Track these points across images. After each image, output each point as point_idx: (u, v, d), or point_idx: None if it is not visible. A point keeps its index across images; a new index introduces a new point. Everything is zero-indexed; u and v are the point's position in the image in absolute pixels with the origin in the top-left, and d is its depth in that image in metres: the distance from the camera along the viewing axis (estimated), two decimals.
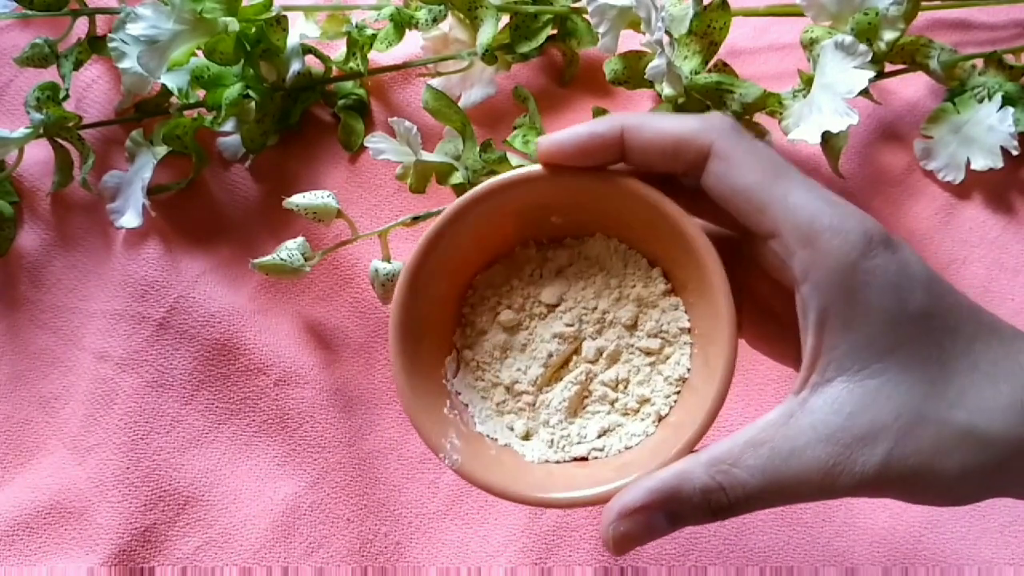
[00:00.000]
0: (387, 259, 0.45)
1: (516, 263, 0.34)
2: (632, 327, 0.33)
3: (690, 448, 0.29)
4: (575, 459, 0.32)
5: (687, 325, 0.33)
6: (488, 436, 0.33)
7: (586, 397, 0.33)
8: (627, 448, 0.32)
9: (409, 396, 0.31)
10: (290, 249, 0.43)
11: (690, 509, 0.28)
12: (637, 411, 0.33)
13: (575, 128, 0.31)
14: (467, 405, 0.33)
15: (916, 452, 0.27)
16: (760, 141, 0.30)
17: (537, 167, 0.31)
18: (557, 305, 0.34)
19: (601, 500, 0.29)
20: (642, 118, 0.30)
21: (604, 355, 0.33)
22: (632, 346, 0.33)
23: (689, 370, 0.32)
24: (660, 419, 0.32)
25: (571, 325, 0.33)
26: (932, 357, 0.28)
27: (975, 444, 0.27)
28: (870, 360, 0.27)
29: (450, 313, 0.34)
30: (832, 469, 0.27)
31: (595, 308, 0.33)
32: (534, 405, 0.33)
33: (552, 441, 0.33)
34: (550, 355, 0.33)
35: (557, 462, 0.32)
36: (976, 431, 0.27)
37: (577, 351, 0.33)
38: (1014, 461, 0.27)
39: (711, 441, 0.29)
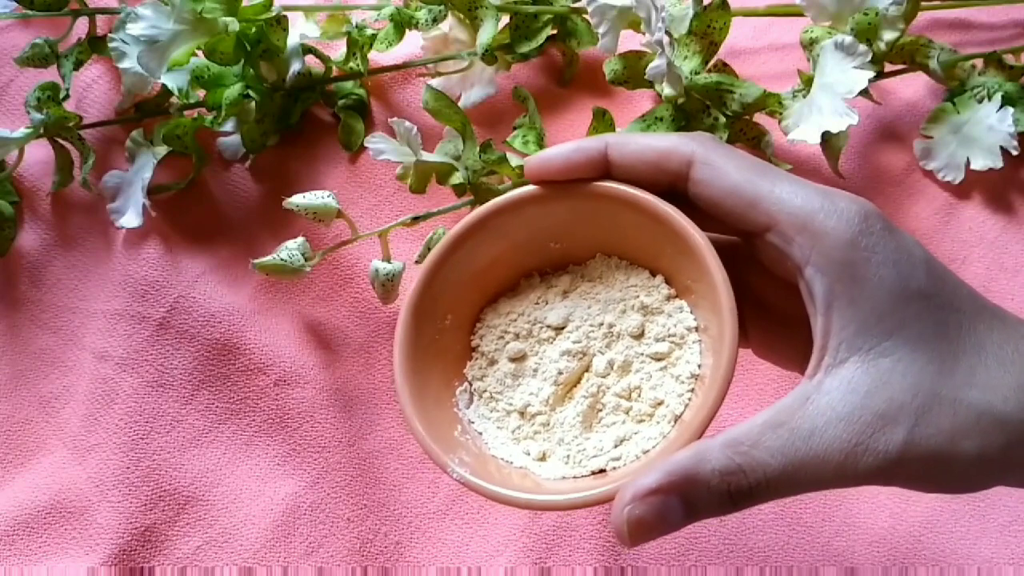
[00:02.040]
0: (387, 259, 0.45)
1: (521, 293, 0.35)
2: (639, 336, 0.33)
3: (699, 434, 0.29)
4: (593, 472, 0.31)
5: (694, 324, 0.33)
6: (502, 459, 0.32)
7: (600, 410, 0.33)
8: (644, 452, 0.31)
9: (415, 417, 0.31)
10: (290, 249, 0.43)
11: (707, 494, 0.27)
12: (652, 415, 0.32)
13: (561, 145, 0.32)
14: (481, 433, 0.33)
15: (937, 432, 0.27)
16: (738, 149, 0.31)
17: (528, 188, 0.33)
18: (564, 327, 0.34)
19: (611, 497, 0.28)
20: (627, 135, 0.31)
21: (615, 367, 0.33)
22: (642, 354, 0.33)
23: (700, 365, 0.32)
24: (676, 419, 0.31)
25: (578, 342, 0.33)
26: (938, 336, 0.28)
27: (991, 425, 0.27)
28: (880, 338, 0.27)
29: (459, 344, 0.35)
30: (854, 449, 0.27)
31: (601, 323, 0.33)
32: (548, 425, 0.33)
33: (568, 457, 0.32)
34: (560, 373, 0.33)
35: (575, 477, 0.31)
36: (992, 411, 0.27)
37: (588, 368, 0.33)
38: None
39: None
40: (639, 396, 0.32)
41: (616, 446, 0.31)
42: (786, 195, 0.28)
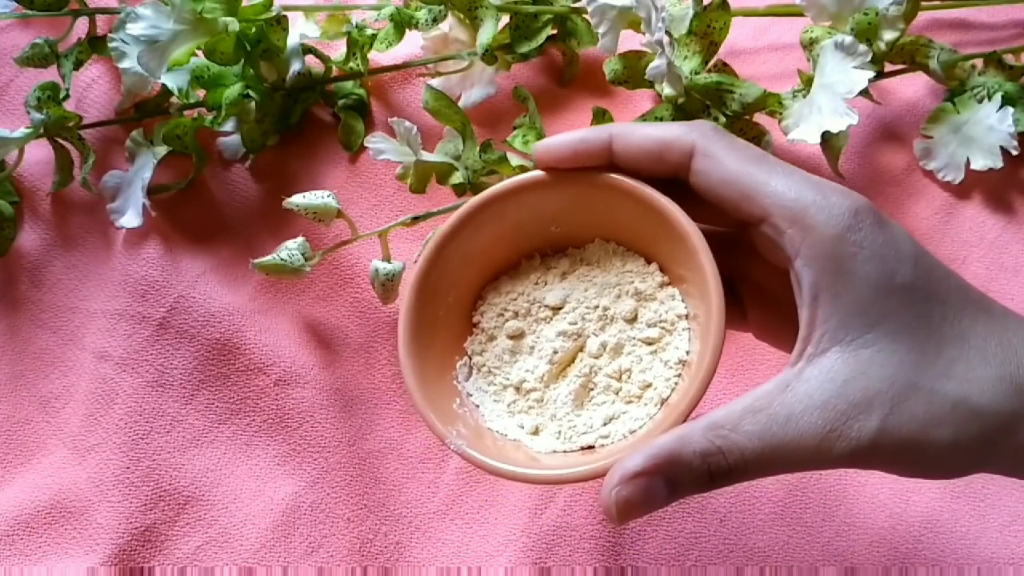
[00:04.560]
0: (387, 259, 0.45)
1: (521, 273, 0.36)
2: (632, 320, 0.34)
3: (683, 417, 0.30)
4: (582, 448, 0.33)
5: (684, 312, 0.34)
6: (497, 432, 0.34)
7: (591, 389, 0.34)
8: (632, 432, 0.32)
9: (418, 388, 0.33)
10: (290, 249, 0.43)
11: (689, 474, 0.28)
12: (640, 397, 0.33)
13: (568, 134, 0.33)
14: (478, 406, 0.35)
15: (910, 420, 0.28)
16: (740, 138, 0.31)
17: (533, 173, 0.34)
18: (561, 307, 0.35)
19: (600, 474, 0.30)
20: (629, 125, 0.32)
21: (607, 349, 0.34)
22: (633, 338, 0.34)
23: (688, 352, 0.33)
24: (663, 402, 0.33)
25: (574, 323, 0.34)
26: (921, 328, 0.28)
27: (966, 415, 0.28)
28: (862, 330, 0.28)
29: (460, 320, 0.36)
30: (828, 435, 0.28)
31: (596, 306, 0.35)
32: (542, 401, 0.34)
33: (560, 432, 0.33)
34: (555, 352, 0.34)
35: (565, 452, 0.33)
36: (967, 402, 0.28)
37: (582, 348, 0.35)
38: (1002, 434, 0.28)
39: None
40: (629, 378, 0.34)
41: (605, 424, 0.33)
42: (780, 188, 0.29)
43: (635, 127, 0.32)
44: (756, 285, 0.35)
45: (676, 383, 0.33)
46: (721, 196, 0.30)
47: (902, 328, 0.28)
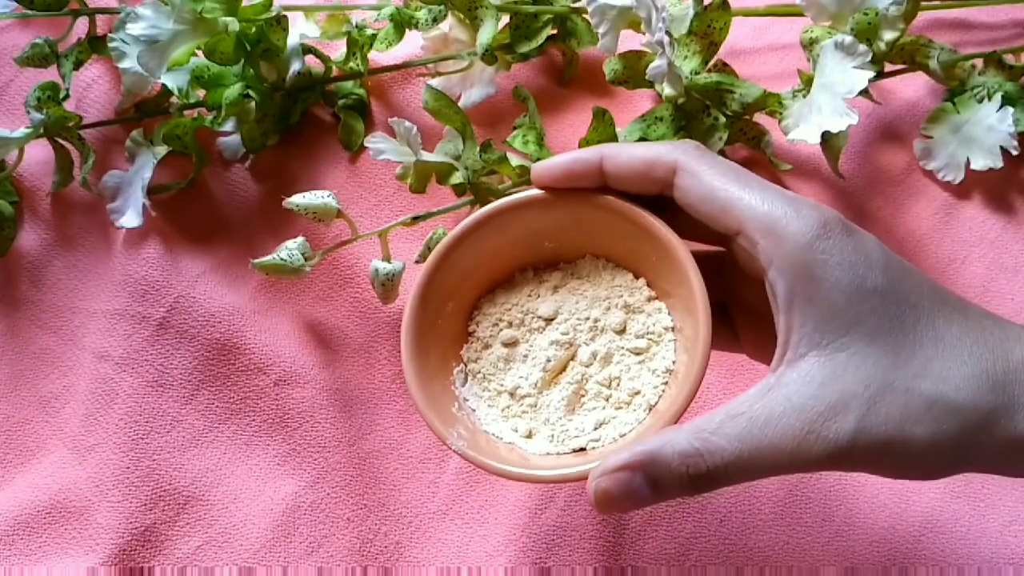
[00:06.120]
0: (387, 259, 0.45)
1: (515, 285, 0.38)
2: (621, 331, 0.36)
3: (673, 422, 0.32)
4: (574, 450, 0.35)
5: (670, 324, 0.36)
6: (493, 434, 0.36)
7: (583, 396, 0.36)
8: (622, 436, 0.34)
9: (420, 393, 0.34)
10: (290, 249, 0.43)
11: (668, 473, 0.29)
12: (629, 403, 0.35)
13: (563, 155, 0.35)
14: (474, 410, 0.36)
15: (887, 420, 0.28)
16: (720, 156, 0.33)
17: (532, 192, 0.35)
18: (553, 318, 0.37)
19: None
20: (618, 146, 0.34)
21: (597, 358, 0.36)
22: (622, 348, 0.36)
23: (674, 362, 0.35)
24: (651, 408, 0.35)
25: (566, 334, 0.36)
26: (894, 330, 0.29)
27: (943, 413, 0.28)
28: (836, 334, 0.29)
29: (457, 329, 0.38)
30: (807, 437, 0.28)
31: (587, 318, 0.36)
32: (536, 406, 0.36)
33: (553, 436, 0.35)
34: (548, 360, 0.36)
35: (558, 454, 0.35)
36: (944, 400, 0.28)
37: (573, 357, 0.36)
38: (981, 431, 0.29)
39: None
40: (618, 385, 0.35)
41: (596, 428, 0.35)
42: (754, 201, 0.30)
43: (623, 148, 0.34)
44: (746, 306, 0.36)
45: (663, 390, 0.35)
46: (702, 211, 0.32)
47: (875, 331, 0.29)
